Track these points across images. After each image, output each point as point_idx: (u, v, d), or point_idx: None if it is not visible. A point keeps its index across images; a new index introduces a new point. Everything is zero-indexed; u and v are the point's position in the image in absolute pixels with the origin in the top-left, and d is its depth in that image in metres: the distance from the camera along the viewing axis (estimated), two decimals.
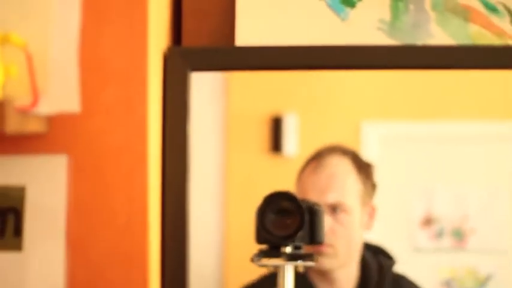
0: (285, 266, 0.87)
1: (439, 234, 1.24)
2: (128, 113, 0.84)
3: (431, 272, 1.27)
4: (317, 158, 1.13)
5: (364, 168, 1.15)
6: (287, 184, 1.20)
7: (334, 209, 1.10)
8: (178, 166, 0.98)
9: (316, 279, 1.10)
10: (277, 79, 1.23)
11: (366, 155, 1.34)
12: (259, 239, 0.87)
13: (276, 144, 1.24)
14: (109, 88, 0.84)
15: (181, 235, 0.99)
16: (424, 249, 1.24)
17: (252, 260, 0.87)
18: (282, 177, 1.24)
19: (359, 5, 1.04)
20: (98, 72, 0.85)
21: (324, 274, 1.09)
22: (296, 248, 0.88)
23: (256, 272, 1.14)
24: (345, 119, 1.28)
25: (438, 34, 1.05)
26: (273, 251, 0.87)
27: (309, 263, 0.87)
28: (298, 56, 1.00)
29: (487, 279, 1.47)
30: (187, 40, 1.04)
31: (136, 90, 0.84)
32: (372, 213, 1.15)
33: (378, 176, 1.35)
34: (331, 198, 1.10)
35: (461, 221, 1.45)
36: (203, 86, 1.13)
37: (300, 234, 0.87)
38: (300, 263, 0.87)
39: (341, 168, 1.13)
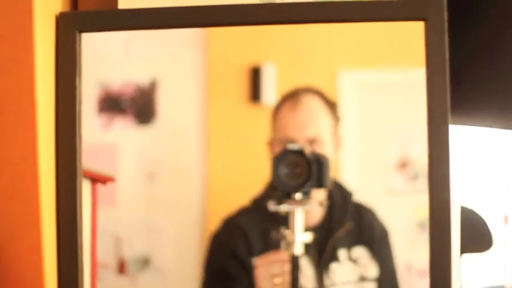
0: (296, 209, 1.10)
1: (414, 177, 1.27)
2: (16, 73, 0.96)
3: (407, 214, 1.31)
4: (293, 97, 1.24)
5: (331, 106, 1.26)
6: (267, 132, 1.24)
7: (311, 142, 1.22)
8: (68, 121, 1.10)
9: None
10: (254, 32, 1.26)
11: (343, 101, 1.38)
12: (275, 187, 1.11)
13: (254, 93, 1.27)
14: (1, 51, 0.97)
15: (72, 191, 1.07)
16: (399, 190, 1.29)
17: (269, 206, 1.11)
18: (261, 125, 1.27)
19: None
20: None
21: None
22: (305, 193, 1.11)
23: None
24: (321, 68, 1.32)
25: None
26: (286, 197, 1.11)
27: (316, 207, 1.14)
28: (165, 16, 1.14)
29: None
30: (83, 5, 1.18)
31: (24, 52, 0.95)
32: (338, 142, 1.26)
33: (355, 121, 1.38)
34: (309, 132, 1.22)
35: None
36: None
37: (310, 182, 1.11)
38: (308, 207, 1.11)
39: (315, 106, 1.25)
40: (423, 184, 1.39)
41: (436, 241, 1.10)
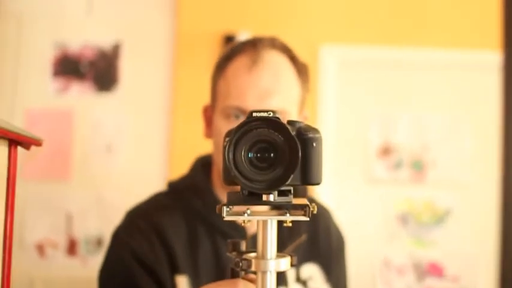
0: (270, 221, 0.58)
1: (398, 165, 1.19)
2: None
3: (387, 205, 1.24)
4: (252, 50, 0.82)
5: (301, 70, 0.84)
6: None
7: None
8: None
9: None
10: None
11: (324, 80, 1.29)
12: (228, 179, 0.56)
13: None
14: None
15: None
16: (381, 180, 1.20)
17: (220, 210, 0.55)
18: None
19: None
20: None
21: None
22: (284, 193, 0.57)
23: None
24: (302, 42, 1.21)
25: None
26: (251, 198, 0.56)
27: (301, 218, 0.56)
28: None
29: (446, 213, 1.43)
30: None
31: None
32: (304, 122, 0.77)
33: (335, 101, 1.30)
34: (275, 103, 0.80)
35: (421, 151, 1.40)
36: None
37: (290, 173, 0.55)
38: (288, 217, 0.56)
39: (283, 67, 0.83)
40: (406, 173, 1.31)
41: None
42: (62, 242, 1.30)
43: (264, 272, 0.56)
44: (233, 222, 0.77)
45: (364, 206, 1.23)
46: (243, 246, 0.60)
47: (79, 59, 1.34)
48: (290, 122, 0.56)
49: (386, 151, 1.24)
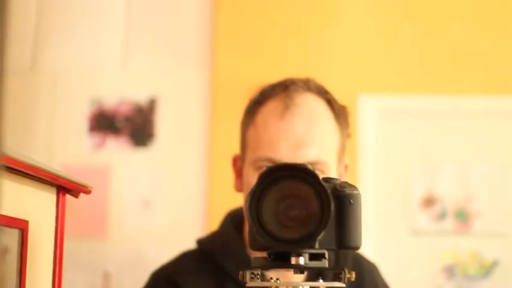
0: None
1: (441, 216, 1.16)
2: None
3: (432, 257, 1.21)
4: (284, 94, 0.74)
5: (341, 114, 0.76)
6: None
7: None
8: None
9: None
10: (269, 49, 1.16)
11: (363, 130, 1.27)
12: (255, 244, 0.52)
13: None
14: None
15: None
16: (424, 231, 1.17)
17: (242, 276, 0.51)
18: None
19: None
20: None
21: None
22: (316, 257, 0.51)
23: None
24: (340, 91, 1.19)
25: None
26: (277, 262, 0.51)
27: (336, 284, 0.51)
28: None
29: (493, 264, 1.39)
30: None
31: None
32: (344, 172, 0.78)
33: (375, 151, 1.28)
34: (311, 155, 0.72)
35: (465, 201, 1.37)
36: None
37: (323, 233, 0.49)
38: (321, 283, 0.52)
39: (320, 113, 0.75)
40: (451, 224, 1.28)
41: None
42: None
43: None
44: None
45: (408, 258, 1.19)
46: None
47: (115, 115, 1.34)
48: (325, 179, 0.50)
49: (429, 201, 1.21)
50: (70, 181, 0.66)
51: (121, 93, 1.40)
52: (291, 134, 0.72)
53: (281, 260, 0.49)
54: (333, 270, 0.51)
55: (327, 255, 0.50)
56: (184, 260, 0.79)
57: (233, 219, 0.79)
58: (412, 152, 1.29)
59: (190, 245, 0.97)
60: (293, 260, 0.49)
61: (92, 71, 1.37)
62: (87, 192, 0.65)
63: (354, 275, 0.49)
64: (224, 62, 1.34)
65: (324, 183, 0.48)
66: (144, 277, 0.95)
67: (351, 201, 0.51)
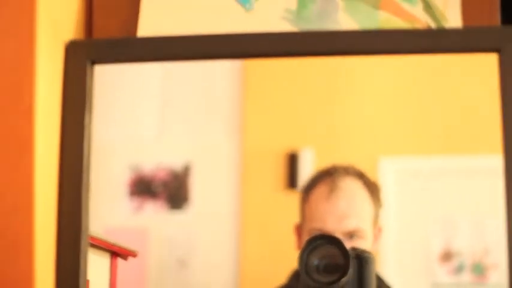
0: None
1: (459, 269, 1.23)
2: (16, 102, 0.86)
3: None
4: (329, 180, 1.09)
5: (374, 190, 1.11)
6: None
7: (351, 235, 1.07)
8: (74, 166, 0.92)
9: None
10: (291, 117, 1.24)
11: (384, 189, 1.35)
12: (302, 285, 0.87)
13: (291, 180, 1.25)
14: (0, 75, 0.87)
15: (74, 259, 0.88)
16: (443, 285, 1.24)
17: None
18: (297, 213, 1.24)
19: None
20: None
21: None
22: None
23: None
24: (362, 154, 1.29)
25: (346, 22, 1.01)
26: None
27: None
28: (197, 45, 0.94)
29: None
30: (97, 33, 1.04)
31: (25, 78, 0.86)
32: (378, 233, 1.11)
33: (396, 210, 1.35)
34: (350, 225, 1.06)
35: (481, 255, 1.45)
36: None
37: (346, 279, 0.87)
38: None
39: (357, 192, 1.10)
40: (468, 277, 1.35)
41: None
42: None
43: None
44: None
45: None
46: None
47: (152, 180, 1.42)
48: (352, 248, 0.90)
49: (447, 256, 1.29)
50: (121, 247, 0.85)
51: (158, 160, 1.48)
52: (335, 211, 1.05)
53: None
54: None
55: None
56: None
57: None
58: (430, 209, 1.37)
59: None
60: None
61: (131, 140, 1.46)
62: (134, 255, 0.89)
63: None
64: (252, 130, 1.42)
65: (349, 249, 0.87)
66: None
67: (366, 262, 0.90)
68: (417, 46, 0.91)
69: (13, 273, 0.83)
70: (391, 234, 1.41)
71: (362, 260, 0.89)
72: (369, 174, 1.16)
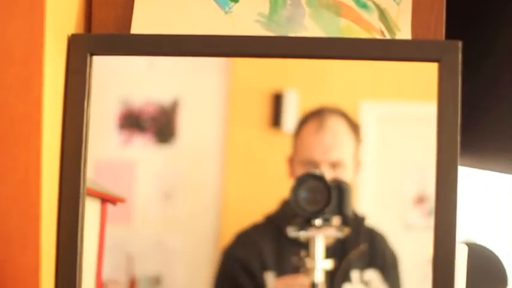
0: (316, 236, 1.12)
1: (431, 213, 1.28)
2: (27, 90, 0.99)
3: (421, 249, 1.32)
4: (318, 118, 1.24)
5: (355, 128, 1.27)
6: (285, 158, 1.25)
7: (334, 165, 1.23)
8: (74, 142, 1.13)
9: None
10: (277, 62, 1.28)
11: (363, 132, 1.39)
12: (294, 214, 1.13)
13: (275, 119, 1.29)
14: (12, 68, 0.99)
15: (74, 211, 1.11)
16: (415, 225, 1.29)
17: (288, 231, 1.15)
18: (280, 151, 1.28)
19: None
20: (2, 55, 1.00)
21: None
22: (325, 220, 1.14)
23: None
24: (343, 98, 1.33)
25: (311, 27, 1.14)
26: (306, 224, 1.14)
27: (337, 234, 1.15)
28: (180, 43, 1.15)
29: None
30: (96, 29, 1.20)
31: (35, 71, 0.99)
32: (357, 166, 1.27)
33: (375, 152, 1.40)
34: (333, 156, 1.23)
35: None
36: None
37: (329, 208, 1.13)
38: (328, 233, 1.14)
39: (340, 128, 1.26)
40: None
41: (440, 280, 1.12)
42: (123, 281, 1.40)
43: (313, 269, 1.13)
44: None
45: (401, 249, 1.31)
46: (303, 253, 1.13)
47: (141, 114, 1.44)
48: (334, 179, 1.20)
49: (420, 200, 1.34)
50: (111, 195, 1.11)
51: (147, 96, 1.51)
52: (321, 144, 1.24)
53: (307, 223, 1.13)
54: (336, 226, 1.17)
55: (332, 219, 1.15)
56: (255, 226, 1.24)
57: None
58: (405, 155, 1.41)
59: (205, 233, 1.18)
60: (316, 222, 1.13)
61: (123, 76, 1.48)
62: (123, 201, 1.17)
63: (345, 231, 1.18)
64: (239, 71, 1.44)
65: (331, 180, 1.17)
66: (163, 259, 1.16)
67: (345, 190, 1.18)
68: (370, 54, 1.12)
69: (21, 237, 1.00)
70: (370, 176, 1.45)
71: (341, 189, 1.16)
72: (351, 114, 1.28)
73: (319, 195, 1.14)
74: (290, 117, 1.28)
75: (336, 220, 1.18)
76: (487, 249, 3.53)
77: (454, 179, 1.09)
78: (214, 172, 1.38)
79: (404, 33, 1.14)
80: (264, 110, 1.29)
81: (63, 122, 1.12)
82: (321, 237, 1.14)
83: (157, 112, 1.44)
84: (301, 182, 1.15)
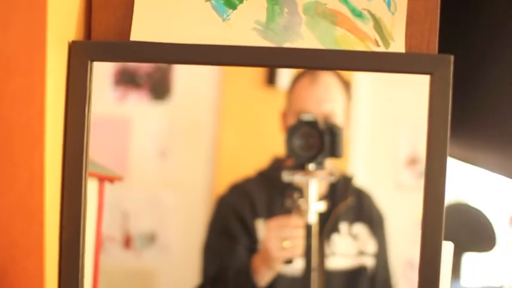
0: (310, 180, 1.17)
1: (422, 173, 1.29)
2: (30, 100, 0.98)
3: (413, 210, 1.33)
4: (311, 73, 1.28)
5: (346, 85, 1.30)
6: (279, 115, 1.26)
7: (326, 117, 1.27)
8: (76, 148, 1.12)
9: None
10: None
11: (357, 94, 1.40)
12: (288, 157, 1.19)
13: (270, 77, 1.30)
14: (14, 78, 0.98)
15: (76, 204, 1.12)
16: (406, 185, 1.31)
17: (283, 176, 1.19)
18: (274, 108, 1.30)
19: (240, 6, 1.15)
20: (4, 66, 0.99)
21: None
22: (319, 163, 1.19)
23: None
24: None
25: (307, 36, 1.14)
26: (300, 169, 1.18)
27: (329, 178, 1.21)
28: (181, 52, 1.14)
29: None
30: (96, 33, 1.19)
31: (37, 80, 0.98)
32: (348, 122, 1.31)
33: (367, 114, 1.40)
34: (326, 107, 1.28)
35: None
36: None
37: (322, 153, 1.18)
38: (321, 178, 1.19)
39: (333, 84, 1.29)
40: None
41: (428, 241, 1.14)
42: (119, 237, 1.41)
43: (307, 211, 1.17)
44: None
45: (393, 209, 1.33)
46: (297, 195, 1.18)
47: (136, 71, 1.43)
48: (326, 123, 1.22)
49: (413, 161, 1.35)
50: (109, 176, 1.16)
51: None
52: (315, 96, 1.27)
53: (301, 167, 1.17)
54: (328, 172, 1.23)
55: (324, 163, 1.19)
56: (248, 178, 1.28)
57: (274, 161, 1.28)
58: (398, 117, 1.41)
59: (199, 190, 1.19)
60: (308, 167, 1.17)
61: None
62: (120, 179, 1.22)
63: (335, 174, 1.23)
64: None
65: (323, 124, 1.19)
66: (158, 216, 1.17)
67: (336, 132, 1.21)
68: (365, 66, 1.13)
69: (25, 242, 1.01)
70: (362, 135, 1.46)
71: (333, 132, 1.20)
72: (345, 74, 1.30)
73: (312, 139, 1.17)
74: (285, 75, 1.28)
75: (329, 164, 1.21)
76: (476, 209, 3.56)
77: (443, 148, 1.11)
78: (208, 129, 1.38)
79: (398, 42, 1.15)
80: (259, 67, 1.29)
81: (64, 128, 1.12)
82: (314, 180, 1.18)
83: (153, 68, 1.43)
84: (294, 129, 1.18)
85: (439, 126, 1.11)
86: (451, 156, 1.24)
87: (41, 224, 1.00)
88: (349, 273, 1.27)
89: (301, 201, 1.18)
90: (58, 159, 1.10)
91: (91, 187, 1.15)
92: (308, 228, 1.18)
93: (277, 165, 1.24)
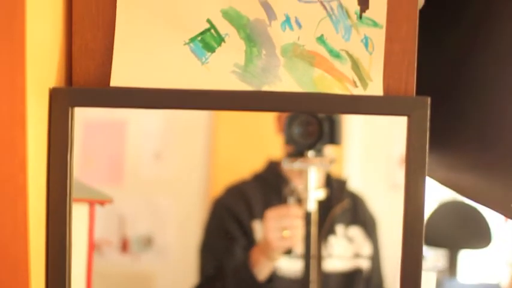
0: (309, 167, 1.19)
1: None
2: (11, 151, 0.97)
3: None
4: None
5: None
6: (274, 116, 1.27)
7: None
8: (59, 198, 1.11)
9: (291, 175, 1.25)
10: None
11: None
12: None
13: None
14: None
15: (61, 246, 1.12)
16: (401, 186, 1.31)
17: (282, 163, 1.21)
18: None
19: (218, 49, 1.14)
20: None
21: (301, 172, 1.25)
22: (318, 151, 1.20)
23: None
24: None
25: (285, 77, 1.14)
26: (299, 156, 1.19)
27: (327, 166, 1.22)
28: (161, 97, 1.14)
29: None
30: (77, 77, 1.17)
31: (18, 131, 0.97)
32: None
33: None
34: None
35: None
36: None
37: (321, 140, 1.18)
38: (320, 165, 1.20)
39: None
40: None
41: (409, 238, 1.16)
42: (116, 241, 1.41)
43: (306, 199, 1.19)
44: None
45: (388, 208, 1.33)
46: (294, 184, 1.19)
47: None
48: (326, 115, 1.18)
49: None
50: (99, 200, 1.19)
51: None
52: None
53: (301, 154, 1.19)
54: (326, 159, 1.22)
55: (324, 149, 1.19)
56: (244, 181, 1.28)
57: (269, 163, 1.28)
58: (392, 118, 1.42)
59: (195, 193, 1.19)
60: (307, 154, 1.19)
61: None
62: (110, 202, 1.23)
63: (333, 161, 1.23)
64: None
65: (322, 115, 1.17)
66: (155, 219, 1.17)
67: (335, 121, 1.19)
68: (343, 109, 1.15)
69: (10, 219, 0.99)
70: (358, 137, 1.46)
71: (331, 119, 1.18)
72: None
73: (311, 126, 1.18)
74: None
75: (327, 152, 1.22)
76: (471, 206, 3.57)
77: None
78: (204, 131, 1.37)
79: (376, 83, 1.15)
80: None
81: (47, 175, 1.10)
82: (314, 168, 1.20)
83: None
84: (293, 116, 1.18)
85: (416, 166, 1.13)
86: (434, 178, 1.26)
87: (26, 274, 0.99)
88: (345, 276, 1.27)
89: (300, 189, 1.20)
90: (42, 207, 1.09)
91: (81, 212, 1.16)
92: (307, 215, 1.19)
93: (272, 167, 1.24)
